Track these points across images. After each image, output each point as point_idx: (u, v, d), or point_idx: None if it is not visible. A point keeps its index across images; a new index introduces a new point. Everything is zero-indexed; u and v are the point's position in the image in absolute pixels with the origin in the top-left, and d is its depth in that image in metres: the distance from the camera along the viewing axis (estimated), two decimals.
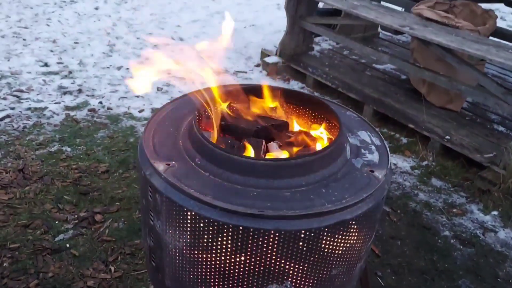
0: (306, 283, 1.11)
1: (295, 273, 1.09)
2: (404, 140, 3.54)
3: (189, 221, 1.06)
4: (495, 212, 2.87)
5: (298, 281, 1.10)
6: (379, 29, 5.12)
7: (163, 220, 1.12)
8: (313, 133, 1.33)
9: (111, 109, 3.58)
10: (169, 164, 1.13)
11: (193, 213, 1.04)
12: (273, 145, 1.27)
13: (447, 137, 3.32)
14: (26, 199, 2.57)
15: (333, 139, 1.18)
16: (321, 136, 1.31)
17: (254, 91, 1.36)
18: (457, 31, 3.27)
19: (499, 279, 2.42)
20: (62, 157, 2.96)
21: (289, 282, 1.10)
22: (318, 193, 1.09)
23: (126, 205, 2.63)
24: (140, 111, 3.59)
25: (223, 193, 1.06)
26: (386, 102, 3.74)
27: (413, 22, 3.41)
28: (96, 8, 5.68)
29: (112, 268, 2.23)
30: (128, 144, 3.18)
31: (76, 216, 2.51)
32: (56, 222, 2.45)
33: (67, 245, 2.32)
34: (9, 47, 4.38)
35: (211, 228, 1.04)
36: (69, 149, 3.05)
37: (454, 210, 2.88)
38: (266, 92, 1.36)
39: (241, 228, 1.02)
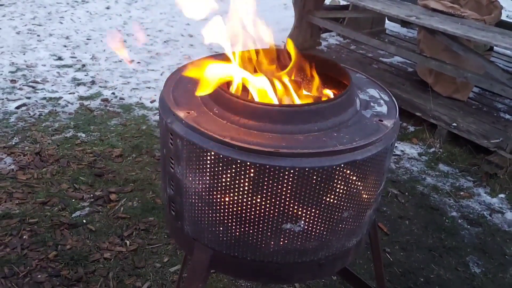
0: (319, 223, 1.17)
1: (308, 212, 1.14)
2: (411, 128, 3.59)
3: (208, 162, 1.12)
4: (502, 195, 2.91)
5: (311, 221, 1.16)
6: (385, 26, 5.19)
7: (183, 164, 1.18)
8: (323, 90, 1.40)
9: (123, 99, 3.67)
10: (189, 113, 1.20)
11: (212, 153, 1.11)
12: (286, 98, 1.34)
13: (454, 124, 3.37)
14: (43, 179, 2.65)
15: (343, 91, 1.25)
16: (331, 92, 1.38)
17: (264, 53, 1.44)
18: (463, 20, 3.33)
19: (506, 256, 2.46)
20: (77, 142, 3.05)
21: (302, 222, 1.16)
22: (330, 137, 1.15)
23: (139, 186, 2.70)
24: (151, 101, 3.67)
25: (240, 136, 1.13)
26: (393, 92, 3.77)
27: (419, 12, 3.48)
28: (107, 8, 5.81)
29: (128, 242, 2.29)
30: (141, 131, 3.26)
31: (91, 195, 2.58)
32: (73, 200, 2.53)
33: (84, 221, 2.39)
34: (24, 42, 4.50)
35: (229, 167, 1.10)
36: (83, 135, 3.13)
37: (462, 193, 2.93)
38: (275, 54, 1.43)
39: (258, 165, 1.08)
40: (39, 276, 2.04)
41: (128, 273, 2.13)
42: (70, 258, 2.16)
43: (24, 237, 2.24)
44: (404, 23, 5.11)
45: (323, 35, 4.83)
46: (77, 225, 2.36)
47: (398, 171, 3.09)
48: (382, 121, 1.24)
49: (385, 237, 2.52)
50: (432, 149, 3.34)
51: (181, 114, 1.19)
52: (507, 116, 3.54)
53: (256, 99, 1.29)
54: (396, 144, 3.38)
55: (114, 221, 2.42)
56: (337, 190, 1.14)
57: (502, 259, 2.44)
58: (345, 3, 4.93)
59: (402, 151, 3.32)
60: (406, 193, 2.88)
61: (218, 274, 2.18)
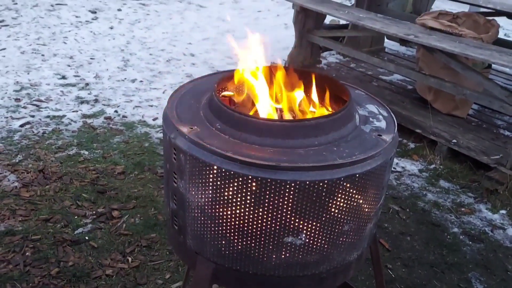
0: (320, 236, 1.18)
1: (310, 226, 1.16)
2: (412, 145, 3.61)
3: (211, 176, 1.15)
4: (503, 211, 2.91)
5: (313, 234, 1.17)
6: (385, 45, 5.26)
7: (186, 179, 1.21)
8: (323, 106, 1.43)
9: (126, 117, 3.71)
10: (192, 128, 1.23)
11: (215, 167, 1.13)
12: (287, 113, 1.37)
13: (454, 140, 3.39)
14: (46, 196, 2.67)
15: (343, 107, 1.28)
16: (330, 108, 1.41)
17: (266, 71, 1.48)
18: (461, 39, 3.38)
19: (508, 272, 2.46)
20: (80, 159, 3.07)
21: (303, 235, 1.17)
22: (330, 151, 1.17)
23: (142, 203, 2.71)
24: (154, 119, 3.71)
25: (242, 150, 1.15)
26: (393, 109, 3.80)
27: (417, 31, 3.53)
28: (111, 28, 5.89)
29: (130, 259, 2.30)
30: (143, 149, 3.28)
31: (94, 212, 2.59)
32: (75, 217, 2.54)
33: (86, 238, 2.40)
34: (28, 62, 4.57)
35: (231, 181, 1.12)
36: (86, 153, 3.16)
37: (463, 209, 2.93)
38: (275, 71, 1.47)
39: (259, 179, 1.10)
40: None
41: None
42: (72, 274, 2.16)
43: (27, 253, 2.25)
44: (403, 42, 5.16)
45: (323, 54, 4.89)
46: (80, 242, 2.37)
47: (399, 188, 3.11)
48: (381, 135, 1.27)
49: (386, 253, 2.52)
50: (433, 166, 3.36)
51: (184, 129, 1.22)
52: (507, 133, 3.57)
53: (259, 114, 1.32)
54: (397, 161, 3.40)
55: (116, 238, 2.43)
56: (338, 203, 1.16)
57: (505, 275, 2.44)
58: (344, 22, 5.01)
59: (403, 167, 3.34)
60: (407, 210, 2.89)
61: None
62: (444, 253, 2.55)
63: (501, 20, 4.12)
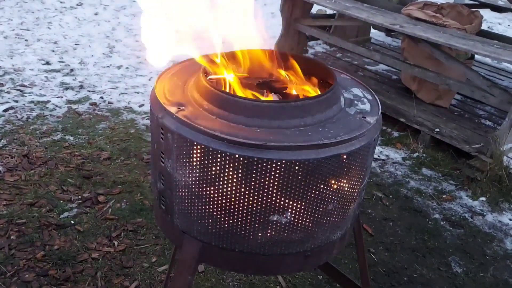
0: (305, 215, 1.21)
1: (295, 204, 1.19)
2: (396, 134, 3.67)
3: (198, 155, 1.16)
4: (483, 198, 2.99)
5: (298, 213, 1.20)
6: (371, 35, 5.30)
7: (174, 158, 1.22)
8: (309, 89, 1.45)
9: (112, 103, 3.69)
10: (180, 108, 1.24)
11: (202, 146, 1.15)
12: (274, 96, 1.39)
13: (437, 129, 3.45)
14: (31, 181, 2.66)
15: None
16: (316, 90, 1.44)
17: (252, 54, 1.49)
18: (445, 29, 3.43)
19: (487, 256, 2.53)
20: (65, 145, 3.05)
21: (289, 213, 1.20)
22: (316, 131, 1.20)
23: (128, 188, 2.72)
24: (140, 106, 3.70)
25: (230, 130, 1.17)
26: (378, 98, 3.86)
27: (403, 21, 3.57)
28: (96, 14, 5.83)
29: (116, 243, 2.31)
30: (129, 135, 3.28)
31: (79, 197, 2.59)
32: (61, 201, 2.54)
33: (72, 222, 2.40)
34: (11, 47, 4.50)
35: (218, 159, 1.14)
36: (71, 138, 3.14)
37: (444, 196, 3.00)
38: (262, 55, 1.49)
39: (246, 157, 1.12)
40: (27, 275, 2.05)
41: (116, 273, 2.14)
42: (58, 258, 2.16)
43: (12, 237, 2.25)
44: (389, 32, 5.22)
45: (310, 43, 4.91)
46: (65, 226, 2.37)
47: (382, 175, 3.16)
48: (365, 118, 1.29)
49: (369, 238, 2.57)
50: (416, 154, 3.42)
51: (172, 109, 1.23)
52: (488, 122, 3.64)
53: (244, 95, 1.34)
54: (381, 149, 3.45)
55: (102, 222, 2.43)
56: (322, 182, 1.18)
57: (483, 259, 2.51)
58: (331, 12, 5.03)
59: (386, 155, 3.39)
60: (391, 196, 2.94)
61: (206, 274, 2.21)
62: (426, 238, 2.62)
63: (485, 13, 4.18)
